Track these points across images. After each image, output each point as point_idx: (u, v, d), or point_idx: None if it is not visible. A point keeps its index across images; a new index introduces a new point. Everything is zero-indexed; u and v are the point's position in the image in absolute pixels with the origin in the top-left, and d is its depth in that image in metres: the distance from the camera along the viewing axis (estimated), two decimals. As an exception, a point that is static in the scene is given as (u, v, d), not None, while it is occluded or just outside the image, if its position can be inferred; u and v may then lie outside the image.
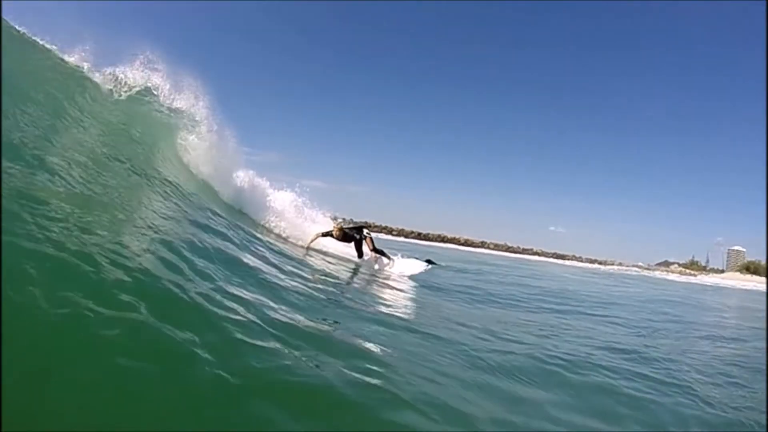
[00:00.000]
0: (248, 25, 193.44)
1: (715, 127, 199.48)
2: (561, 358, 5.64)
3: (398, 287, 9.88)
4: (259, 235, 10.22)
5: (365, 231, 12.58)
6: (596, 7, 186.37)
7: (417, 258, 13.09)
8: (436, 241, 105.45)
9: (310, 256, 11.04)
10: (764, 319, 15.02)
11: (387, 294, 8.68)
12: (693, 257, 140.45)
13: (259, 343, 3.61)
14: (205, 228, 7.33)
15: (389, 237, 74.37)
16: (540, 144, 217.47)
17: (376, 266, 12.22)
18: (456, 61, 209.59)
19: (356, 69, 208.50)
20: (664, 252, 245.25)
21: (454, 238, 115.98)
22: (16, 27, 8.69)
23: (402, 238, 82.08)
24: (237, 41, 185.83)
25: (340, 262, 11.53)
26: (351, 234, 12.39)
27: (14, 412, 2.14)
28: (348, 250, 12.68)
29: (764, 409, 4.99)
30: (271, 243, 9.96)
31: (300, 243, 12.32)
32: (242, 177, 13.43)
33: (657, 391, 5.04)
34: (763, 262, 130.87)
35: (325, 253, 12.04)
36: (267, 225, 12.73)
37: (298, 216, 13.86)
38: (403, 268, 12.25)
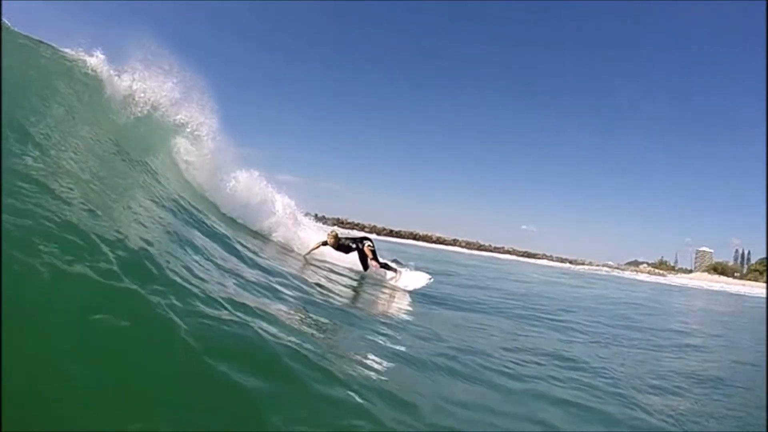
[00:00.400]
0: (215, 16, 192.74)
1: (685, 130, 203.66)
2: (505, 366, 5.62)
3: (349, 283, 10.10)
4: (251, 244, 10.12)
5: (367, 243, 11.63)
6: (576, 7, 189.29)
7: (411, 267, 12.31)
8: (408, 238, 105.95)
9: (312, 265, 10.94)
10: (725, 325, 15.26)
11: (339, 292, 8.56)
12: (662, 257, 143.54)
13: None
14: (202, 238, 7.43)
15: (362, 234, 74.06)
16: (513, 142, 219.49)
17: (379, 277, 11.45)
18: (428, 58, 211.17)
19: (331, 64, 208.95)
20: (634, 251, 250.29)
21: (427, 236, 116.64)
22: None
23: (374, 235, 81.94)
24: (197, 28, 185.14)
25: (339, 273, 11.09)
26: (347, 244, 11.59)
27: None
28: (353, 259, 11.85)
29: (704, 421, 5.02)
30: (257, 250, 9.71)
31: (298, 250, 12.12)
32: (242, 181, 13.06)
33: (598, 399, 5.04)
34: (730, 263, 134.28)
35: (329, 264, 11.65)
36: (268, 233, 12.59)
37: (294, 223, 13.37)
38: (407, 281, 11.13)
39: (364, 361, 4.55)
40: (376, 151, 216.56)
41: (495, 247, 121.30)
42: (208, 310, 3.98)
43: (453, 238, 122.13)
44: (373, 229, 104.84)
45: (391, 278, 11.30)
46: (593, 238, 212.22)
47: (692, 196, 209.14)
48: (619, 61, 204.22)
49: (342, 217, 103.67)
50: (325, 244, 11.57)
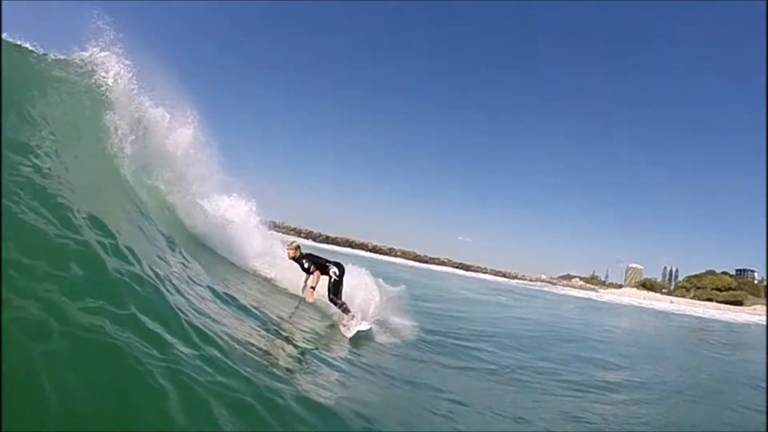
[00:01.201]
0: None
1: (618, 149, 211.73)
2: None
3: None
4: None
5: (331, 270, 9.70)
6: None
7: None
8: (344, 245, 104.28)
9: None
10: (651, 351, 15.12)
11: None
12: (594, 272, 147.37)
13: None
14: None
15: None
16: (452, 154, 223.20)
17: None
18: (365, 63, 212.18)
19: (264, 58, 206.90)
20: (568, 265, 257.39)
21: (363, 244, 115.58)
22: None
23: (310, 241, 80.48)
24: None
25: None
26: (307, 266, 9.77)
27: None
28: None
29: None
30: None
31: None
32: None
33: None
34: (659, 280, 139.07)
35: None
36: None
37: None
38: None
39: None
40: (314, 153, 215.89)
41: (431, 258, 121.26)
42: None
43: (389, 247, 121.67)
44: (309, 235, 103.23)
45: (344, 321, 9.20)
46: (529, 251, 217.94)
47: (624, 214, 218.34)
48: (554, 78, 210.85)
49: (278, 221, 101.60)
50: (312, 278, 9.65)
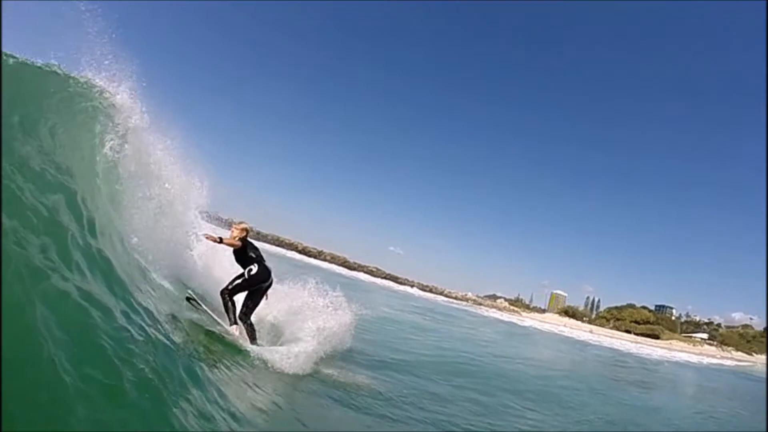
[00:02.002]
0: None
1: (549, 178, 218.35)
2: None
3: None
4: None
5: (258, 269, 8.78)
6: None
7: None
8: (273, 243, 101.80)
9: None
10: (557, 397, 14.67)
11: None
12: (519, 295, 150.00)
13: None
14: None
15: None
16: (385, 161, 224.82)
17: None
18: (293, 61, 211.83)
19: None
20: (495, 285, 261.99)
21: (293, 244, 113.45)
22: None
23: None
24: None
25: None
26: (245, 250, 8.94)
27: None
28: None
29: None
30: None
31: None
32: None
33: None
34: (581, 308, 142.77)
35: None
36: None
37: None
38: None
39: None
40: (252, 145, 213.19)
41: (360, 265, 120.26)
42: None
43: (319, 250, 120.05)
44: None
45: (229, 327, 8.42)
46: (459, 268, 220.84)
47: (553, 241, 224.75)
48: (490, 100, 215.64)
49: (209, 213, 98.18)
50: (220, 241, 8.59)
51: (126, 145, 8.57)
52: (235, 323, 8.49)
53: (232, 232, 8.98)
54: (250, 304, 8.85)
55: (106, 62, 8.61)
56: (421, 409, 8.88)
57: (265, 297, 9.12)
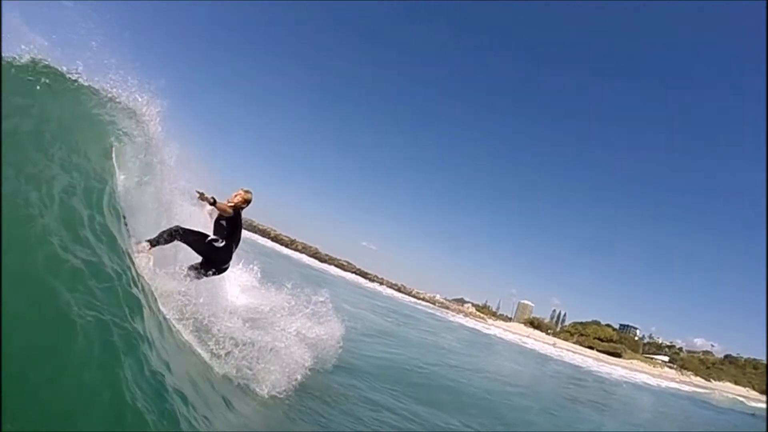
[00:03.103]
0: None
1: (524, 187, 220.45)
2: None
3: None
4: None
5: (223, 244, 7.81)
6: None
7: None
8: (245, 228, 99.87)
9: None
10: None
11: None
12: (487, 301, 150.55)
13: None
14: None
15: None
16: (364, 154, 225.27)
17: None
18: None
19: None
20: (463, 289, 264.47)
21: (266, 230, 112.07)
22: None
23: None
24: None
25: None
26: (235, 217, 7.87)
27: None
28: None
29: None
30: None
31: None
32: None
33: None
34: (546, 320, 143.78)
35: None
36: None
37: None
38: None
39: None
40: (233, 127, 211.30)
41: (331, 258, 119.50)
42: None
43: (292, 238, 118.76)
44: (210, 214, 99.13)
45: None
46: (430, 268, 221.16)
47: (526, 253, 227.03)
48: (474, 103, 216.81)
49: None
50: (214, 203, 7.30)
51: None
52: (152, 246, 7.10)
53: (233, 197, 7.91)
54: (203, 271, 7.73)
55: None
56: (348, 414, 8.63)
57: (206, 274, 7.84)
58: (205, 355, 7.07)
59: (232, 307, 9.29)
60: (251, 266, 12.81)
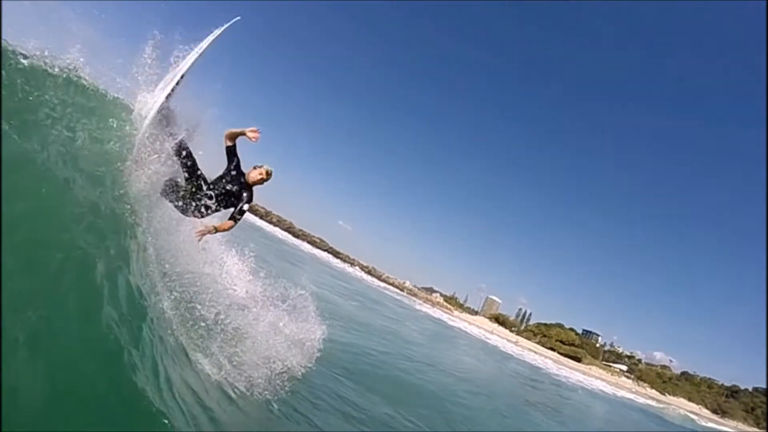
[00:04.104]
0: None
1: (502, 182, 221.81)
2: None
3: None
4: None
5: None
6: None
7: None
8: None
9: None
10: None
11: None
12: (455, 293, 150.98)
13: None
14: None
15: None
16: (344, 131, 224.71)
17: None
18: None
19: None
20: (434, 278, 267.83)
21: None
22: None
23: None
24: None
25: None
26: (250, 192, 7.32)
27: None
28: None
29: None
30: None
31: None
32: None
33: None
34: (511, 318, 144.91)
35: None
36: None
37: None
38: None
39: None
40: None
41: (305, 233, 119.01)
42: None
43: (267, 210, 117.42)
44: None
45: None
46: (403, 253, 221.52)
47: (499, 249, 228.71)
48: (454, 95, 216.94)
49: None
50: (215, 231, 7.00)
51: None
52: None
53: (263, 173, 7.28)
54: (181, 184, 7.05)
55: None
56: (278, 399, 8.10)
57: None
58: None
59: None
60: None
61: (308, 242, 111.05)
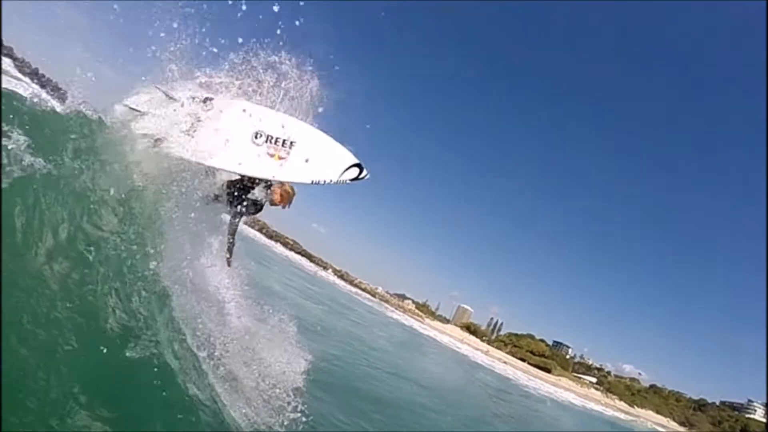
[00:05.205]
0: None
1: (477, 190, 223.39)
2: None
3: None
4: None
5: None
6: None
7: None
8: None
9: None
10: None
11: None
12: (427, 300, 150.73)
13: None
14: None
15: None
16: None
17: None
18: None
19: None
20: (407, 284, 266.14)
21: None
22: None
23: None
24: None
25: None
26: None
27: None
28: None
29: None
30: None
31: None
32: None
33: None
34: (483, 327, 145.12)
35: None
36: None
37: None
38: None
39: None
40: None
41: (278, 234, 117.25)
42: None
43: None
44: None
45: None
46: (376, 259, 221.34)
47: (473, 257, 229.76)
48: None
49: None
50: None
51: None
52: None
53: (285, 194, 7.15)
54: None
55: None
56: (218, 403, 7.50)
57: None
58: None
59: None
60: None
61: (281, 243, 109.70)
